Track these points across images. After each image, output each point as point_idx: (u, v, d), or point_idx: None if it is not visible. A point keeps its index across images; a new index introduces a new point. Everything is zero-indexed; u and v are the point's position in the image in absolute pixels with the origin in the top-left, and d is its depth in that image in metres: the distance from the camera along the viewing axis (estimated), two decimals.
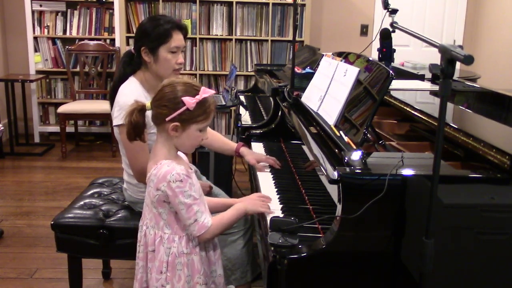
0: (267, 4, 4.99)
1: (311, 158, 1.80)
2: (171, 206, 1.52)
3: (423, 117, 1.83)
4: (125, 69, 2.04)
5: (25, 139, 4.98)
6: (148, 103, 1.54)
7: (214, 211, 1.70)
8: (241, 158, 2.31)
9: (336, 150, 1.59)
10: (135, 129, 1.53)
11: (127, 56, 2.07)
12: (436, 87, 2.47)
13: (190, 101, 1.49)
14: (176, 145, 1.57)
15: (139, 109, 1.53)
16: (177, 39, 1.99)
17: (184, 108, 1.49)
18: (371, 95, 1.68)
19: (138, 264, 1.64)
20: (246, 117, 3.05)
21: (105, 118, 4.85)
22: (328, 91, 1.98)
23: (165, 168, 1.50)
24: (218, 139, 2.28)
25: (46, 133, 5.31)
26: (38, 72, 4.99)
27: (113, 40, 5.01)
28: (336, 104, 1.84)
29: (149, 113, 1.57)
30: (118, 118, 1.91)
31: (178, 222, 1.54)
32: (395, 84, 2.46)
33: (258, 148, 2.46)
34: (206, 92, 1.52)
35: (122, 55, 2.12)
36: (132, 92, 1.95)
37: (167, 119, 1.50)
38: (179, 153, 1.63)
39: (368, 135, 1.64)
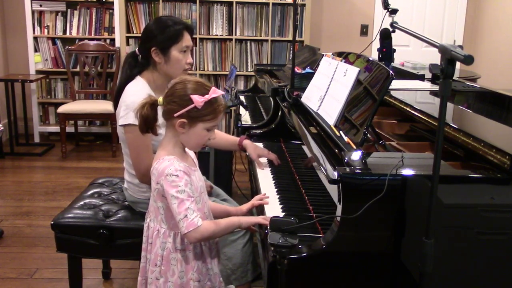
0: (267, 4, 4.99)
1: None
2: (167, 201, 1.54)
3: (423, 117, 1.83)
4: (132, 71, 2.04)
5: (25, 139, 4.98)
6: (160, 99, 1.57)
7: (216, 216, 1.71)
8: (241, 155, 2.30)
9: (336, 150, 1.59)
10: (146, 122, 1.57)
11: (131, 58, 2.07)
12: (436, 87, 2.47)
13: (198, 100, 1.51)
14: (182, 141, 1.59)
15: (151, 103, 1.56)
16: (187, 39, 2.04)
17: (192, 105, 1.51)
18: (371, 95, 1.68)
19: (141, 253, 1.67)
20: (246, 117, 3.05)
21: (105, 118, 4.85)
22: (328, 91, 1.98)
23: (165, 163, 1.52)
24: (221, 136, 2.28)
25: (46, 133, 5.31)
26: (38, 72, 4.99)
27: (113, 40, 5.01)
28: (336, 104, 1.84)
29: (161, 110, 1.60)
30: (124, 117, 1.91)
31: (174, 218, 1.55)
32: (395, 84, 2.46)
33: None
34: (215, 92, 1.55)
35: (126, 57, 2.12)
36: (139, 91, 1.95)
37: (175, 115, 1.53)
38: (187, 150, 1.65)
39: (368, 135, 1.64)
